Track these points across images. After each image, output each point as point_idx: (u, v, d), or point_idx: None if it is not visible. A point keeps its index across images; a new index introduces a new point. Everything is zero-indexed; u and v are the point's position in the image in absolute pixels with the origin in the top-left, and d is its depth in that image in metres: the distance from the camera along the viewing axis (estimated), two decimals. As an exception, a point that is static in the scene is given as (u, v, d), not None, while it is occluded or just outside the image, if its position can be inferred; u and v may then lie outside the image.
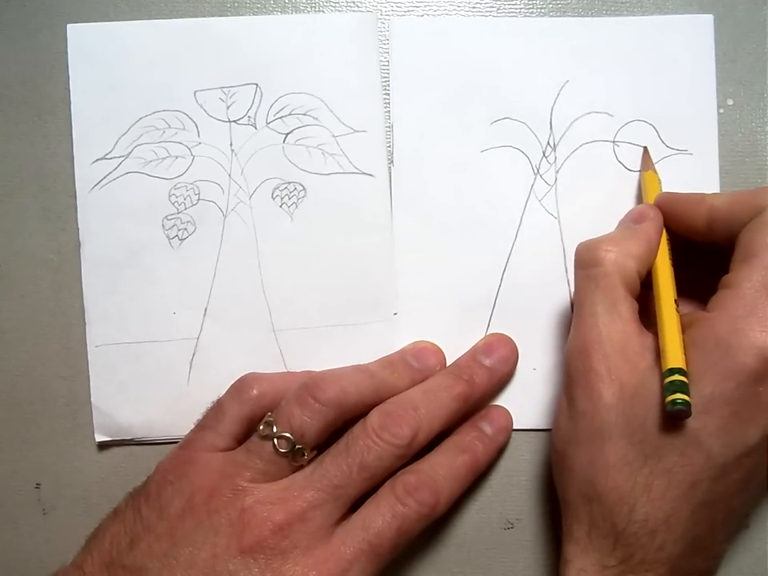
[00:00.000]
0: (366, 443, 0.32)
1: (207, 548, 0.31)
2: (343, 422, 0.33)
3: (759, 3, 0.38)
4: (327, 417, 0.33)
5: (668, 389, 0.29)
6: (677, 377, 0.29)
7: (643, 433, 0.30)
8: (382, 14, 0.39)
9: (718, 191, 0.38)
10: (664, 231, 0.34)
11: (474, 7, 0.38)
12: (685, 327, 0.31)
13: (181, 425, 0.36)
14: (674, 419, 0.29)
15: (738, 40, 0.38)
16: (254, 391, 0.34)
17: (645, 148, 0.38)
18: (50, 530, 0.38)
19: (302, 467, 0.33)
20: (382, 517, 0.32)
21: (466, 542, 0.38)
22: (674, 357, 0.30)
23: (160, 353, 0.38)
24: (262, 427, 0.32)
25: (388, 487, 0.33)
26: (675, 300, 0.32)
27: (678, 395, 0.29)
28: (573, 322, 0.33)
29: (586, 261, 0.33)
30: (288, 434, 0.32)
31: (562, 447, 0.33)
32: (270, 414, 0.33)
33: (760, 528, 0.37)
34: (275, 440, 0.32)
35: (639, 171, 0.38)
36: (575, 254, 0.34)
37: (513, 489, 0.38)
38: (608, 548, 0.30)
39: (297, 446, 0.32)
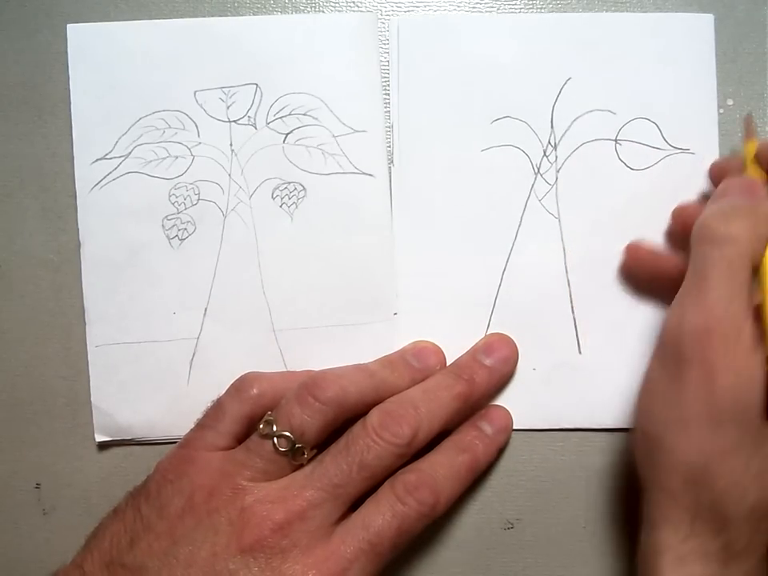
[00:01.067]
0: (365, 442, 0.32)
1: (207, 547, 0.31)
2: (343, 422, 0.33)
3: (759, 3, 0.38)
4: (327, 416, 0.32)
5: None
6: None
7: (756, 419, 0.29)
8: (381, 14, 0.39)
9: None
10: None
11: (474, 7, 0.38)
12: None
13: (181, 425, 0.36)
14: None
15: (738, 40, 0.38)
16: (254, 390, 0.34)
17: (748, 114, 0.36)
18: (50, 530, 0.38)
19: (301, 466, 0.33)
20: (382, 516, 0.32)
21: (466, 542, 0.38)
22: None
23: (160, 353, 0.38)
24: (261, 426, 0.32)
25: (388, 486, 0.33)
26: None
27: None
28: (690, 298, 0.31)
29: (720, 237, 0.31)
30: (288, 433, 0.32)
31: (657, 430, 0.31)
32: (269, 412, 0.33)
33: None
34: (275, 439, 0.32)
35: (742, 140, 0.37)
36: (703, 227, 0.32)
37: (513, 489, 0.38)
38: (712, 534, 0.30)
39: (297, 445, 0.32)
